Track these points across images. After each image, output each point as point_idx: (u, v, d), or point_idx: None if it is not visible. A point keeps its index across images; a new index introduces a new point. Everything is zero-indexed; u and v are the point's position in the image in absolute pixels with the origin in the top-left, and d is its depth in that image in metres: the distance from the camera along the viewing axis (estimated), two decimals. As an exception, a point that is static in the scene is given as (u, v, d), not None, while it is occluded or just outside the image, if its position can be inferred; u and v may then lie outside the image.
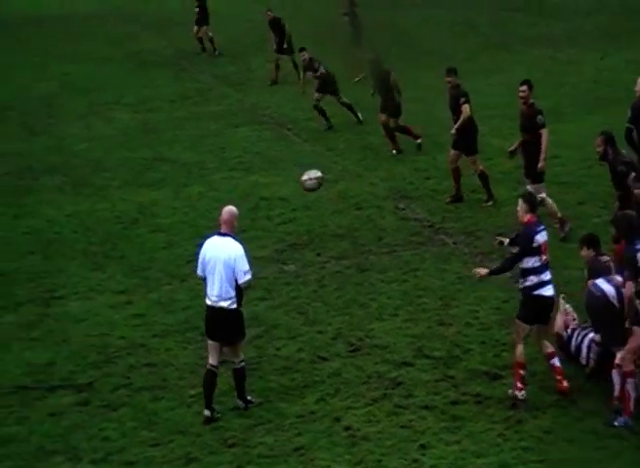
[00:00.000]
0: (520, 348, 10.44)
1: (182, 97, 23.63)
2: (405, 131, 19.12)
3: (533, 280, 10.35)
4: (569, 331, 11.26)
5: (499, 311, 12.55)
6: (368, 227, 15.94)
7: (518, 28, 29.52)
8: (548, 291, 10.44)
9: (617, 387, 10.12)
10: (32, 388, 11.41)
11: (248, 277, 10.39)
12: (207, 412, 10.55)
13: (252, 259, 14.59)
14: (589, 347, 10.93)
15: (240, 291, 10.50)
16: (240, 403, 10.75)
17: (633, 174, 12.70)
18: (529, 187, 14.38)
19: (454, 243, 15.00)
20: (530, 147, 14.74)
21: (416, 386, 11.05)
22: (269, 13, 26.33)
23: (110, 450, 10.17)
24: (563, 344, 11.25)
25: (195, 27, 29.18)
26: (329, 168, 18.87)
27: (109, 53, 29.96)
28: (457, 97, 16.37)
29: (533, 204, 10.75)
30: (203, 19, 29.17)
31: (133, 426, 10.56)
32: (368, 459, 9.82)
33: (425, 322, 12.61)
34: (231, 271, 10.33)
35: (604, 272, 10.76)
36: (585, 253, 11.11)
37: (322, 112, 21.04)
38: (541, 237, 10.45)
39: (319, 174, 13.82)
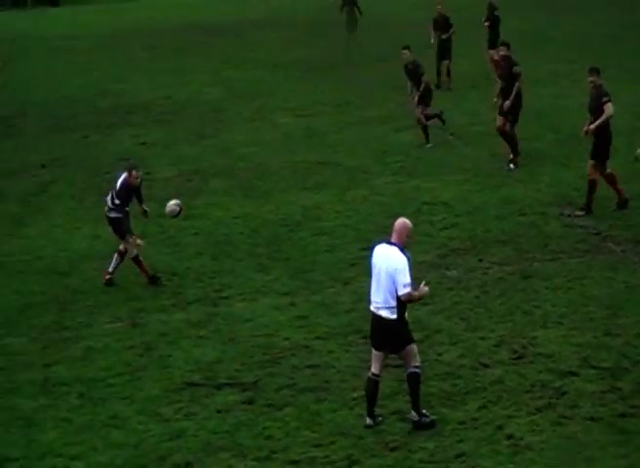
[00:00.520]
0: None
1: (345, 102, 23.93)
2: (512, 141, 18.69)
3: None
4: None
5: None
6: (532, 233, 15.72)
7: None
8: None
9: None
10: (200, 385, 11.77)
11: (406, 290, 10.27)
12: (368, 421, 10.58)
13: (414, 264, 14.82)
14: None
15: (402, 302, 10.43)
16: (414, 414, 10.54)
17: None
18: None
19: (622, 251, 14.62)
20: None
21: (581, 397, 10.83)
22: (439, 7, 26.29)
23: (274, 449, 10.38)
24: None
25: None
26: (492, 173, 18.74)
27: (276, 59, 30.61)
28: (598, 97, 15.95)
29: None
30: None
31: (296, 426, 10.76)
32: (531, 469, 9.70)
33: (591, 331, 12.34)
34: (392, 281, 10.32)
35: None
36: None
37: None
38: None
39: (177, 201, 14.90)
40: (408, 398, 11.02)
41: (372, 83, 26.82)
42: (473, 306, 13.35)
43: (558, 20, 32.54)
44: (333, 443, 10.41)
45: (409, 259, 10.36)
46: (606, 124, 16.02)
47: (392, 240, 10.51)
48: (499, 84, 19.11)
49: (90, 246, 16.60)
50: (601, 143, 16.11)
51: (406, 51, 20.69)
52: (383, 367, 11.77)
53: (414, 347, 10.56)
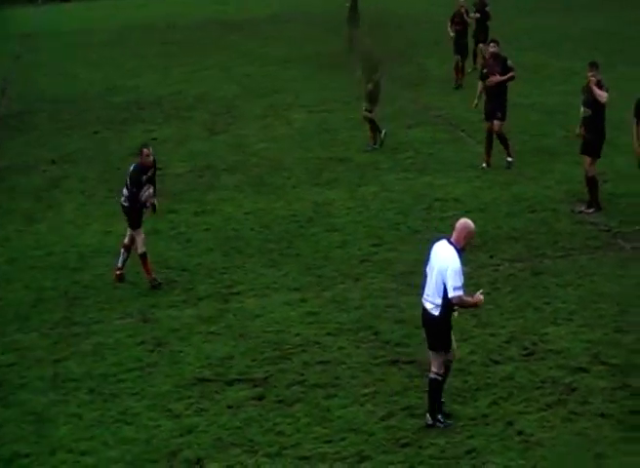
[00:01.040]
0: None
1: (357, 99, 23.81)
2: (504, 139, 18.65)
3: None
4: None
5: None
6: (543, 230, 15.70)
7: None
8: None
9: None
10: (211, 380, 11.81)
11: (456, 293, 10.09)
12: (429, 420, 10.46)
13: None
14: None
15: (448, 303, 10.22)
16: (428, 418, 10.49)
17: None
18: None
19: (632, 248, 14.59)
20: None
21: (591, 393, 10.83)
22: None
23: (285, 445, 10.40)
24: None
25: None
26: (502, 170, 18.72)
27: (288, 55, 30.63)
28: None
29: None
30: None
31: (306, 422, 10.78)
32: (541, 465, 9.70)
33: (602, 328, 12.33)
34: (441, 281, 10.19)
35: None
36: None
37: None
38: None
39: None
40: (419, 394, 11.07)
41: (383, 79, 26.79)
42: (484, 303, 13.31)
43: (572, 18, 32.47)
44: (343, 439, 10.43)
45: (462, 260, 10.18)
46: (602, 120, 15.99)
47: (452, 239, 10.35)
48: (480, 84, 18.97)
49: (101, 241, 16.65)
50: (597, 139, 16.10)
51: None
52: (394, 362, 11.83)
53: (441, 355, 10.41)
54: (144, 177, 14.58)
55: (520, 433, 10.23)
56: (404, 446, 10.21)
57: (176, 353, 12.58)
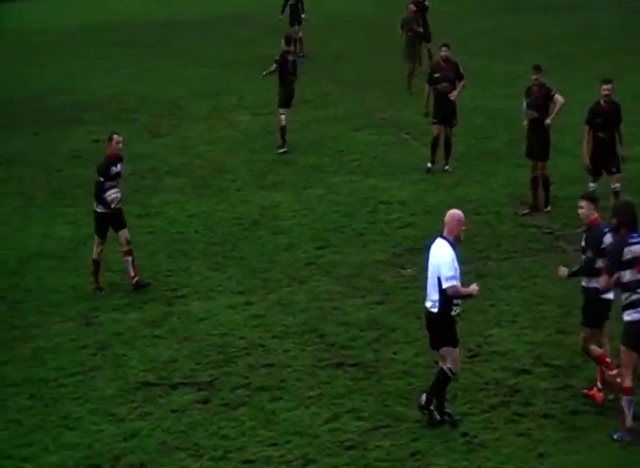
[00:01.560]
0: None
1: (303, 101, 23.83)
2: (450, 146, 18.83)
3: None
4: None
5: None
6: (486, 233, 15.82)
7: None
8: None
9: None
10: (155, 384, 11.70)
11: (449, 283, 10.16)
12: (436, 416, 10.45)
13: (371, 263, 14.91)
14: None
15: (446, 297, 10.26)
16: (435, 414, 10.45)
17: None
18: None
19: (574, 250, 14.72)
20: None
21: (534, 394, 10.93)
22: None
23: (229, 448, 10.34)
24: None
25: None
26: (447, 173, 18.82)
27: (232, 56, 30.49)
28: (545, 95, 16.18)
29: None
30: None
31: (251, 425, 10.73)
32: (485, 466, 9.76)
33: (545, 329, 12.45)
34: (436, 275, 10.28)
35: None
36: None
37: None
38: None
39: None
40: (364, 397, 11.08)
41: (329, 82, 26.82)
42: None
43: (516, 22, 32.79)
44: (288, 442, 10.40)
45: (456, 252, 10.26)
46: (546, 127, 16.22)
47: (444, 233, 10.45)
48: (427, 87, 19.04)
49: (40, 244, 16.42)
50: (546, 141, 16.30)
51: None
52: (339, 365, 11.83)
53: (452, 351, 10.40)
54: (114, 170, 14.30)
55: (464, 434, 10.28)
56: (349, 448, 10.21)
57: (119, 357, 12.44)
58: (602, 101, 15.43)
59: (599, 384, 10.68)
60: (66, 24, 41.04)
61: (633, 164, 16.96)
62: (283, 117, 20.63)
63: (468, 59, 23.53)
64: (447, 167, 18.84)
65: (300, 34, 29.11)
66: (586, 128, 15.47)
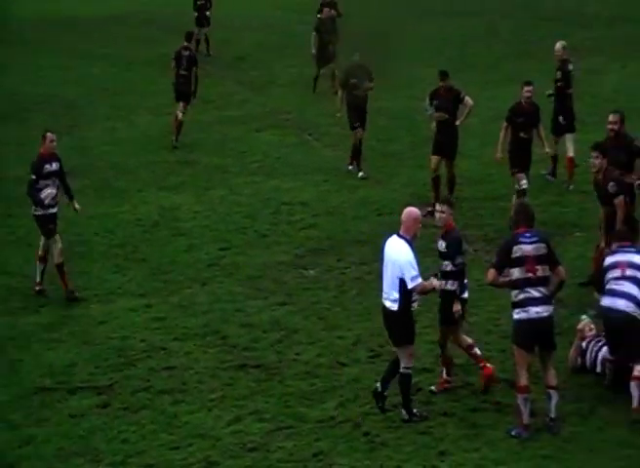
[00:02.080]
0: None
1: (205, 102, 23.65)
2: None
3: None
4: (584, 343, 11.23)
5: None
6: (389, 233, 15.89)
7: (542, 36, 29.49)
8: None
9: (636, 399, 10.10)
10: (53, 389, 11.45)
11: (415, 283, 10.20)
12: (404, 416, 10.43)
13: (274, 264, 14.87)
14: (603, 363, 10.91)
15: (405, 295, 10.30)
16: (404, 413, 10.45)
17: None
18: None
19: (474, 250, 14.95)
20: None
21: (435, 393, 11.03)
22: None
23: (130, 453, 10.19)
24: (582, 353, 11.23)
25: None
26: (350, 174, 18.91)
27: (134, 56, 30.07)
28: (455, 97, 16.41)
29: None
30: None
31: (152, 429, 10.58)
32: (387, 465, 9.81)
33: (445, 329, 12.57)
34: (396, 275, 10.28)
35: None
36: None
37: None
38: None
39: None
40: (266, 398, 11.04)
41: (232, 82, 26.69)
42: (331, 305, 13.45)
43: (416, 25, 33.13)
44: (190, 445, 10.30)
45: (414, 250, 10.32)
46: (455, 126, 16.46)
47: (401, 232, 10.47)
48: (340, 92, 19.04)
49: None
50: (454, 141, 16.52)
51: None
52: (241, 366, 11.77)
53: (408, 348, 10.46)
54: (47, 168, 13.90)
55: (366, 434, 10.33)
56: (252, 450, 10.16)
57: (15, 362, 12.14)
58: (523, 102, 15.74)
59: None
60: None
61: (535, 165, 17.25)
62: (178, 112, 20.62)
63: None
64: (350, 166, 18.91)
65: (206, 34, 28.94)
66: (505, 124, 15.70)
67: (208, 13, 29.32)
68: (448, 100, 16.44)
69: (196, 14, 29.24)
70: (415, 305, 10.57)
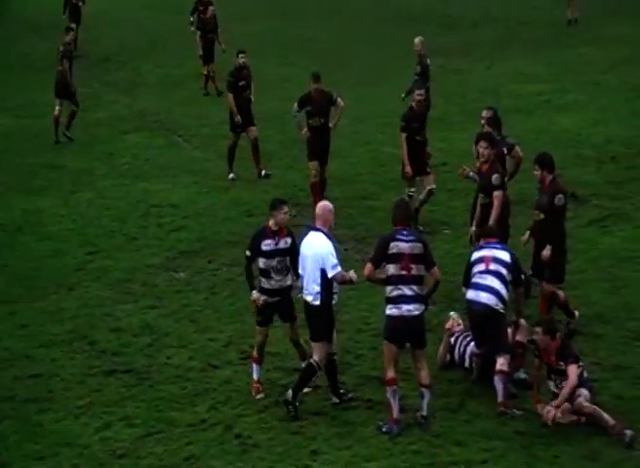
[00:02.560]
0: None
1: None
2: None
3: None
4: (452, 339, 11.43)
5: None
6: (306, 230, 15.80)
7: (409, 38, 29.96)
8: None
9: (500, 392, 10.33)
10: None
11: (335, 271, 10.19)
12: (289, 396, 10.45)
13: (142, 267, 14.64)
14: (470, 357, 11.12)
15: (326, 288, 10.28)
16: (289, 394, 10.42)
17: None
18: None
19: (345, 249, 15.01)
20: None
21: (307, 392, 11.02)
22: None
23: (-8, 465, 9.86)
24: (450, 349, 11.42)
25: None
26: (220, 175, 18.79)
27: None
28: (328, 100, 16.37)
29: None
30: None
31: (16, 439, 10.28)
32: (259, 466, 9.76)
33: (317, 328, 12.59)
34: (316, 268, 10.23)
35: None
36: None
37: None
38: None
39: None
40: (137, 404, 10.85)
41: (98, 84, 26.21)
42: (202, 308, 13.32)
43: (281, 25, 33.21)
44: (57, 454, 10.05)
45: (333, 241, 10.31)
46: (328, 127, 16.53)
47: (317, 226, 10.46)
48: (231, 97, 18.73)
49: None
50: (328, 145, 16.53)
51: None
52: (110, 372, 11.55)
53: (326, 345, 10.43)
54: None
55: (238, 436, 10.25)
56: (121, 457, 9.97)
57: None
58: (415, 106, 15.62)
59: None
60: None
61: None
62: (56, 107, 20.28)
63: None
64: (231, 175, 18.61)
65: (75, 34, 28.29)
66: (403, 135, 15.44)
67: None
68: (322, 104, 16.42)
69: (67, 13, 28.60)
70: (336, 298, 10.61)
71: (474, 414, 10.38)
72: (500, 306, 10.57)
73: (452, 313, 11.81)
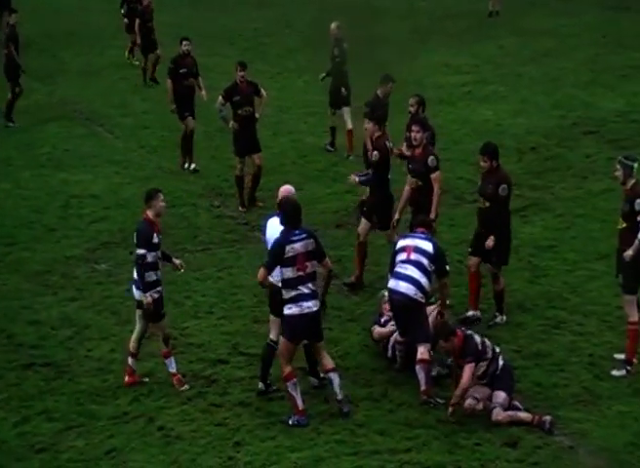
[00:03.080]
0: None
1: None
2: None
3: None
4: (383, 319, 11.42)
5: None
6: (183, 225, 15.76)
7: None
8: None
9: (422, 381, 10.39)
10: None
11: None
12: (260, 385, 10.54)
13: (62, 259, 14.40)
14: (394, 347, 11.17)
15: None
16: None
17: None
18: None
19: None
20: None
21: (231, 384, 11.00)
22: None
23: None
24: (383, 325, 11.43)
25: None
26: (142, 165, 18.60)
27: None
28: (253, 90, 16.33)
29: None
30: None
31: None
32: (182, 459, 9.69)
33: (241, 319, 12.57)
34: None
35: None
36: None
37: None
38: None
39: None
40: (56, 397, 10.68)
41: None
42: (124, 300, 13.14)
43: (207, 16, 32.96)
44: (-28, 451, 9.81)
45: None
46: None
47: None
48: (169, 83, 18.30)
49: None
50: (255, 133, 16.47)
51: None
52: (29, 365, 11.36)
53: (277, 321, 10.60)
54: None
55: (161, 428, 10.18)
56: (40, 451, 9.83)
57: None
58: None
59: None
60: None
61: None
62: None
63: (162, 52, 23.38)
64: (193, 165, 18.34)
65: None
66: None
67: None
68: (249, 95, 16.33)
69: None
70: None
71: (397, 403, 10.44)
72: (419, 295, 10.61)
73: (383, 291, 11.72)
